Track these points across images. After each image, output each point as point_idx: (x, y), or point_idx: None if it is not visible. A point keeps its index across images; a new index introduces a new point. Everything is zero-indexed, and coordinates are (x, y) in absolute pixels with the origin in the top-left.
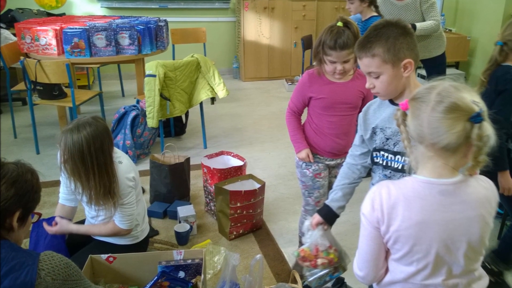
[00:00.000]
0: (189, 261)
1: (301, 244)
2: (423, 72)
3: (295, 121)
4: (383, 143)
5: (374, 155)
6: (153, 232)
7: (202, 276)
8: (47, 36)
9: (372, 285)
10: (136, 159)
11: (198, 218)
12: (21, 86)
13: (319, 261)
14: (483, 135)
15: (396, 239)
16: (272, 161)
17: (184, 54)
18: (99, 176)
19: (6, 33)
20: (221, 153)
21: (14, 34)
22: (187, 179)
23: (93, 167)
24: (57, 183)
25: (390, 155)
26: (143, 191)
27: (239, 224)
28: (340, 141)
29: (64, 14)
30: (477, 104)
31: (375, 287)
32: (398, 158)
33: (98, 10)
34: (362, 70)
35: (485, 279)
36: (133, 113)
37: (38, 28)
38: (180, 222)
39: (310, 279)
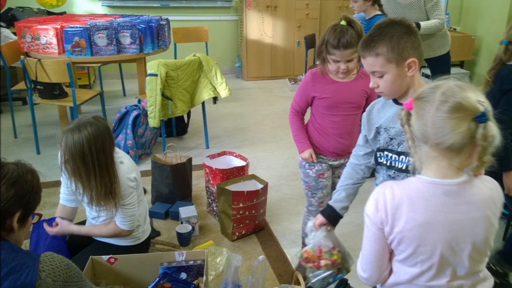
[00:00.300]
0: (191, 262)
1: (304, 245)
2: (427, 71)
3: (298, 121)
4: (387, 143)
5: (378, 155)
6: (154, 233)
7: (204, 277)
8: (48, 35)
9: (376, 286)
10: (138, 159)
11: (200, 219)
12: (21, 85)
13: (322, 262)
14: (488, 135)
15: (400, 240)
16: (275, 161)
17: (186, 53)
18: (100, 177)
19: (6, 32)
20: (224, 153)
21: (14, 33)
22: (189, 179)
23: (94, 167)
24: (57, 184)
25: (394, 155)
26: (145, 191)
27: (241, 225)
28: (343, 141)
29: (64, 12)
30: (482, 103)
31: None
32: (402, 158)
33: (99, 8)
34: (366, 69)
35: (490, 281)
36: (134, 113)
37: (39, 27)
38: (182, 223)
39: (313, 280)
